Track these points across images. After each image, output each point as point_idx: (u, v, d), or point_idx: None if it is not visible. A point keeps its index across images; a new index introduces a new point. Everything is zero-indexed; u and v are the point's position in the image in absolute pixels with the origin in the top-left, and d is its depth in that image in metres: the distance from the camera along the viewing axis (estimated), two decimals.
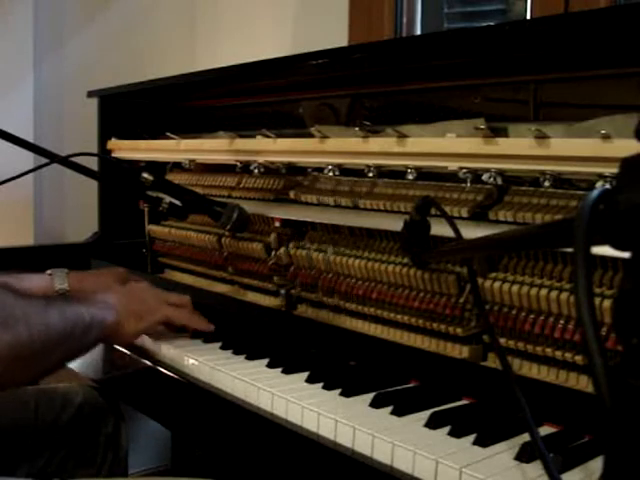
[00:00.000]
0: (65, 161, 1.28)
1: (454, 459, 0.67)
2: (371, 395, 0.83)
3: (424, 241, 0.92)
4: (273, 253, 1.23)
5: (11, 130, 1.23)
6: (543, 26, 0.86)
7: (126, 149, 1.67)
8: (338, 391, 0.86)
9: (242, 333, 1.14)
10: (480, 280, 0.89)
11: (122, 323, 0.99)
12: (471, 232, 0.89)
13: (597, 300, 0.77)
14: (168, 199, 1.31)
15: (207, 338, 1.10)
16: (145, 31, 2.19)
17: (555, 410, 0.78)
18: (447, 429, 0.74)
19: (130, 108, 1.75)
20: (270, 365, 0.97)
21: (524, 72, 1.01)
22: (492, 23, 1.54)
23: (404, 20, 1.61)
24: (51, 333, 0.83)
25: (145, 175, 1.25)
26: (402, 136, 1.00)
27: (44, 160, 1.29)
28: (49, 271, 1.15)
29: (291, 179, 1.24)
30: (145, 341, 1.09)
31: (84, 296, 1.00)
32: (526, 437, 0.71)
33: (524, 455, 0.68)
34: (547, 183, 0.86)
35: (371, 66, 1.15)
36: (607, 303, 0.77)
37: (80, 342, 0.91)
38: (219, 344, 1.07)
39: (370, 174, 1.07)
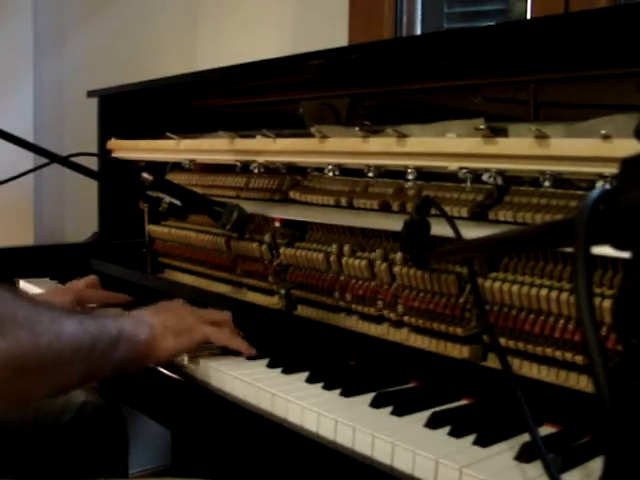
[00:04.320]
0: (65, 161, 1.28)
1: (454, 459, 0.67)
2: (371, 395, 0.83)
3: (424, 241, 0.92)
4: (277, 254, 1.23)
5: (11, 130, 1.23)
6: (543, 26, 0.86)
7: (126, 149, 1.67)
8: (338, 391, 0.86)
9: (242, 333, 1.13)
10: (480, 280, 0.89)
11: (158, 339, 0.90)
12: (471, 232, 0.89)
13: (597, 300, 0.77)
14: (168, 199, 1.31)
15: None
16: (145, 31, 2.19)
17: (555, 410, 0.78)
18: (447, 429, 0.74)
19: (130, 108, 1.75)
20: (270, 365, 0.96)
21: (524, 72, 1.01)
22: (492, 23, 1.54)
23: (404, 20, 1.61)
24: (65, 344, 0.75)
25: (145, 175, 1.25)
26: (402, 136, 1.00)
27: (44, 160, 1.29)
28: None
29: (291, 179, 1.24)
30: None
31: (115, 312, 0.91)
32: (526, 437, 0.71)
33: (524, 455, 0.68)
34: (547, 183, 0.86)
35: (371, 66, 1.15)
36: (607, 303, 0.77)
37: (105, 358, 0.82)
38: None
39: (370, 174, 1.07)
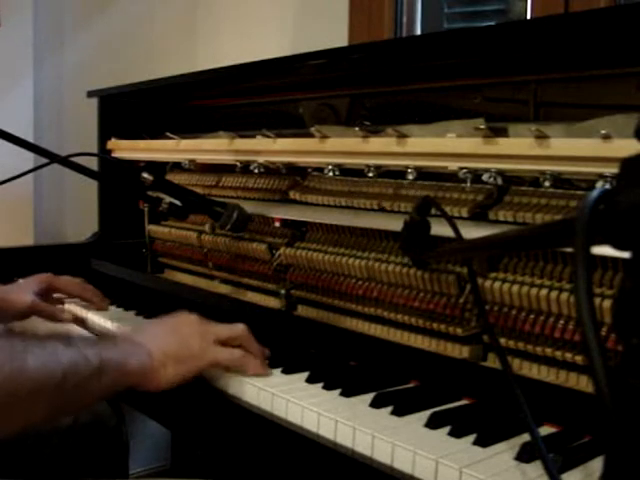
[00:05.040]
0: (65, 161, 1.28)
1: (454, 459, 0.67)
2: (371, 395, 0.83)
3: (424, 241, 0.92)
4: (277, 254, 1.23)
5: (11, 130, 1.23)
6: (543, 26, 0.86)
7: (126, 149, 1.67)
8: (338, 391, 0.86)
9: None
10: (480, 280, 0.89)
11: (157, 368, 0.84)
12: (471, 232, 0.89)
13: (597, 300, 0.77)
14: (168, 199, 1.31)
15: None
16: (145, 31, 2.19)
17: (555, 410, 0.78)
18: (447, 429, 0.74)
19: (130, 108, 1.75)
20: (270, 365, 0.96)
21: (524, 72, 1.01)
22: (492, 23, 1.54)
23: (404, 20, 1.61)
24: (25, 379, 0.69)
25: (145, 175, 1.25)
26: (402, 136, 1.00)
27: (44, 160, 1.29)
28: None
29: (291, 179, 1.24)
30: None
31: (105, 337, 0.85)
32: (526, 437, 0.71)
33: (524, 455, 0.68)
34: (547, 183, 0.86)
35: (371, 66, 1.15)
36: (607, 303, 0.77)
37: (82, 390, 0.76)
38: None
39: (370, 174, 1.07)
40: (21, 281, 1.23)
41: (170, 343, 0.87)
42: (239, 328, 0.93)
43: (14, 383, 0.68)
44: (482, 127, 0.89)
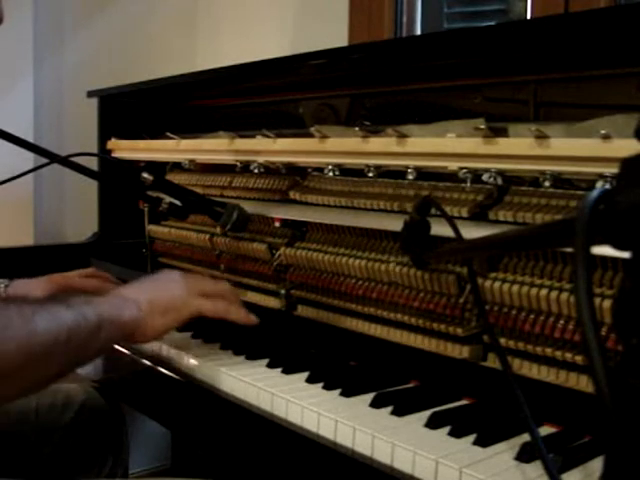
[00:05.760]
0: (65, 161, 1.28)
1: (454, 459, 0.67)
2: (371, 395, 0.83)
3: (424, 241, 0.92)
4: (277, 254, 1.23)
5: (11, 130, 1.23)
6: (543, 26, 0.86)
7: (126, 149, 1.67)
8: (338, 391, 0.86)
9: (242, 333, 1.13)
10: (480, 280, 0.89)
11: (145, 319, 0.88)
12: (471, 232, 0.89)
13: (597, 300, 0.77)
14: (168, 199, 1.31)
15: (207, 338, 1.10)
16: (145, 31, 2.19)
17: (555, 410, 0.78)
18: (447, 429, 0.74)
19: (130, 108, 1.75)
20: (270, 365, 0.97)
21: (524, 72, 1.01)
22: (492, 23, 1.54)
23: (404, 20, 1.61)
24: (37, 343, 0.72)
25: (145, 175, 1.25)
26: (402, 136, 1.00)
27: (44, 160, 1.29)
28: None
29: (291, 179, 1.24)
30: None
31: (98, 293, 0.90)
32: (526, 437, 0.71)
33: (524, 455, 0.68)
34: (547, 183, 0.86)
35: (371, 66, 1.15)
36: (607, 303, 0.77)
37: (84, 348, 0.80)
38: (219, 344, 1.07)
39: (370, 174, 1.07)
40: (25, 280, 1.23)
41: (157, 295, 0.91)
42: (224, 286, 0.98)
43: (28, 346, 0.71)
44: (482, 127, 0.89)
